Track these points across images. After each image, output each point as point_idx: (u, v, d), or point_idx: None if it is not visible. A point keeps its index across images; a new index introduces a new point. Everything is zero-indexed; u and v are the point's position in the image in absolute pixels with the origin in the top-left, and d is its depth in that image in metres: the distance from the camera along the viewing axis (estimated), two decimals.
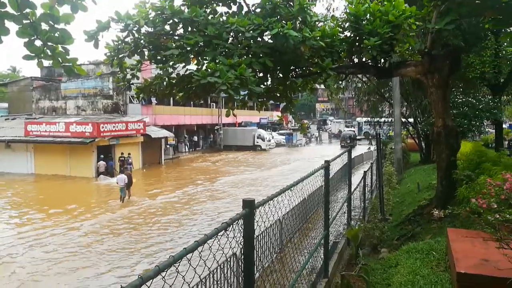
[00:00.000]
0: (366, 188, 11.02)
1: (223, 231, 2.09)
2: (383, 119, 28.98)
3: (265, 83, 7.93)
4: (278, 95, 8.51)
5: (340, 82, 16.69)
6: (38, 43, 3.42)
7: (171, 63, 7.26)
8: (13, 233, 13.87)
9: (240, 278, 7.02)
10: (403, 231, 8.13)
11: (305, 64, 7.53)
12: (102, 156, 25.67)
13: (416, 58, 8.29)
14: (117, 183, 18.48)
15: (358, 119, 61.98)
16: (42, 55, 3.50)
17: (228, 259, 6.27)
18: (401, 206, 11.84)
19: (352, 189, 8.17)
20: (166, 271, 1.58)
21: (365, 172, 11.12)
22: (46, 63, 3.70)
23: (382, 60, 7.97)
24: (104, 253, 11.78)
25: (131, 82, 8.29)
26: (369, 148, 34.97)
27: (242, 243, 2.44)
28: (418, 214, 8.38)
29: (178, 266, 1.67)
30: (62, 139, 25.46)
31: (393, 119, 21.35)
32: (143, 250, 12.04)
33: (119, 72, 8.29)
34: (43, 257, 11.46)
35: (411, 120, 22.60)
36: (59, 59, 3.59)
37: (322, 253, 5.27)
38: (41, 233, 13.69)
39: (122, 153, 26.28)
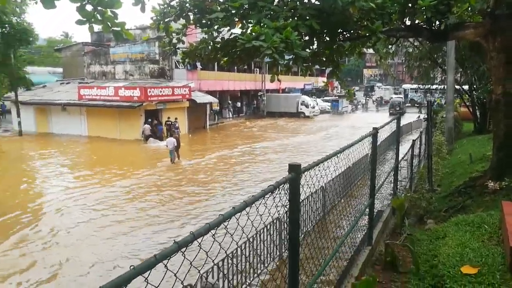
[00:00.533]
0: (414, 157, 10.66)
1: (270, 193, 2.09)
2: (434, 86, 27.57)
3: (311, 47, 7.70)
4: (324, 59, 8.24)
5: (390, 46, 15.89)
6: (89, 8, 3.50)
7: (216, 27, 7.19)
8: (72, 194, 14.74)
9: (285, 240, 7.22)
10: (452, 202, 7.84)
11: (354, 27, 7.19)
12: (149, 120, 26.54)
13: (476, 19, 7.63)
14: (166, 146, 19.27)
15: (405, 85, 59.72)
16: (92, 19, 3.58)
17: (275, 221, 6.43)
18: (450, 177, 11.38)
19: (400, 158, 7.92)
20: (216, 228, 1.62)
21: (413, 141, 10.71)
22: (96, 28, 3.78)
23: (437, 22, 7.43)
24: (156, 214, 12.37)
25: (177, 47, 8.35)
26: (418, 116, 33.56)
27: (287, 207, 2.44)
28: (469, 186, 8.01)
29: (227, 224, 1.71)
30: (112, 103, 26.48)
31: (444, 86, 20.19)
32: (192, 211, 12.56)
33: (165, 37, 8.38)
34: (98, 218, 12.21)
35: (465, 87, 21.27)
36: (108, 23, 3.65)
37: (367, 221, 5.22)
38: (95, 192, 14.62)
39: (168, 118, 26.98)
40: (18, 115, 27.73)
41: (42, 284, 8.21)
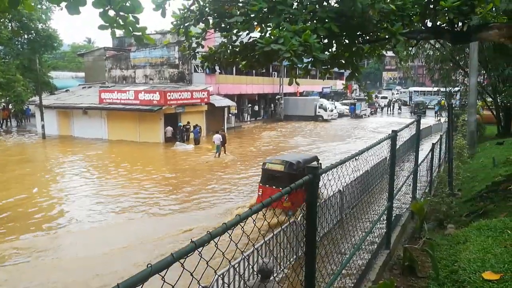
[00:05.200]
0: (434, 161, 10.48)
1: (287, 195, 2.11)
2: (435, 89, 28.96)
3: (330, 50, 7.68)
4: (343, 62, 8.20)
5: (410, 49, 15.69)
6: (111, 13, 3.60)
7: (235, 31, 7.26)
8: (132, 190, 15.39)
9: (302, 242, 7.21)
10: (473, 207, 7.68)
11: (373, 29, 7.12)
12: (180, 124, 27.23)
13: (500, 20, 7.47)
14: (214, 141, 21.79)
15: (410, 88, 61.28)
16: (114, 24, 3.68)
17: (291, 223, 6.43)
18: (472, 181, 11.13)
19: (419, 162, 7.80)
20: (233, 229, 1.65)
21: (433, 144, 10.54)
22: (118, 32, 3.89)
23: (460, 24, 7.31)
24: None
25: (196, 51, 8.46)
26: (439, 120, 32.96)
27: (304, 209, 2.46)
28: (492, 190, 7.84)
29: (244, 225, 1.74)
30: (132, 107, 26.93)
31: (460, 89, 19.84)
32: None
33: (184, 41, 8.50)
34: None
35: (488, 90, 20.80)
36: (130, 28, 3.75)
37: (385, 225, 5.17)
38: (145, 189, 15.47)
39: (188, 122, 27.29)
40: (42, 118, 28.50)
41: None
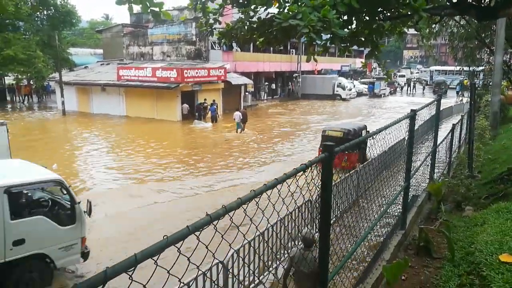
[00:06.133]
0: (454, 141, 10.27)
1: (302, 171, 2.10)
2: (458, 68, 28.11)
3: (350, 27, 7.48)
4: (363, 39, 8.00)
5: (433, 26, 15.17)
6: None
7: (252, 6, 7.13)
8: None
9: (316, 220, 7.25)
10: (493, 190, 7.53)
11: (395, 5, 6.89)
12: (198, 102, 27.35)
13: None
14: (234, 118, 22.34)
15: (432, 67, 59.53)
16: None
17: (306, 203, 6.43)
18: (493, 163, 10.89)
19: (438, 142, 7.66)
20: (248, 203, 1.66)
21: (454, 124, 10.31)
22: (136, 8, 3.87)
23: None
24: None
25: (213, 27, 8.37)
26: (461, 100, 32.15)
27: (319, 187, 2.44)
28: None
29: (259, 200, 1.74)
30: (149, 84, 27.03)
31: (484, 68, 19.16)
32: None
33: (202, 17, 8.40)
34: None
35: None
36: (147, 3, 3.72)
37: (401, 205, 5.13)
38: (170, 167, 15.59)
39: (205, 100, 27.29)
40: (62, 95, 28.92)
41: None
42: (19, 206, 6.70)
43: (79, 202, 6.95)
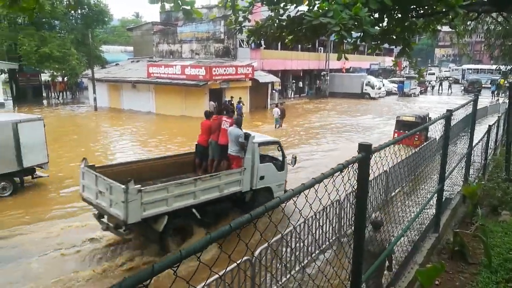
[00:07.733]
0: (490, 143, 9.90)
1: (339, 172, 2.08)
2: (493, 67, 27.10)
3: (381, 24, 7.33)
4: (394, 37, 7.82)
5: (468, 23, 14.62)
6: None
7: (282, 4, 7.09)
8: None
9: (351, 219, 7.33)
10: None
11: (429, 2, 6.69)
12: (226, 100, 27.35)
13: None
14: (273, 115, 23.39)
15: (464, 65, 58.04)
16: None
17: (334, 202, 6.39)
18: None
19: (474, 144, 7.40)
20: (286, 203, 1.66)
21: (490, 126, 9.94)
22: (167, 7, 3.92)
23: None
24: None
25: (242, 25, 8.39)
26: (497, 100, 30.98)
27: (355, 186, 2.41)
28: None
29: (296, 200, 1.74)
30: (178, 81, 27.40)
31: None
32: None
33: (231, 15, 8.44)
34: None
35: None
36: (179, 1, 3.76)
37: (434, 208, 4.99)
38: None
39: (232, 97, 27.40)
40: (94, 91, 29.78)
41: None
42: (261, 156, 9.82)
43: (285, 157, 10.26)
